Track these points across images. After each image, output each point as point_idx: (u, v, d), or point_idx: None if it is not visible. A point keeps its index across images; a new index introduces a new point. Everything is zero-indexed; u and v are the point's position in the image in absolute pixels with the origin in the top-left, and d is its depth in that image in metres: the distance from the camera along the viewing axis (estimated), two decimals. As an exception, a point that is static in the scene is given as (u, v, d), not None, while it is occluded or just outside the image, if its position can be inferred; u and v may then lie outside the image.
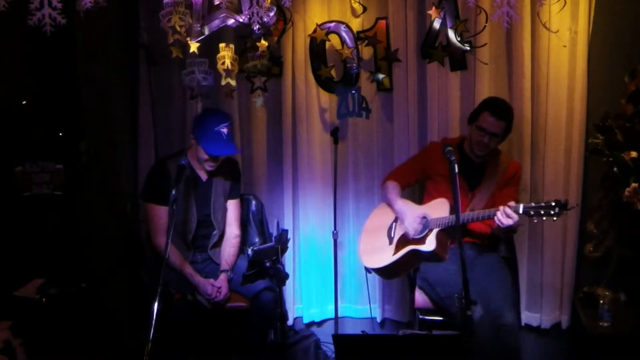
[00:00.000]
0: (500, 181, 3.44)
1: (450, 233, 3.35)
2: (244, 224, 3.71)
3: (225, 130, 3.37)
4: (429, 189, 3.56)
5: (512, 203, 3.10)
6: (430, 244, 3.30)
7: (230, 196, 3.60)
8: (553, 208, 3.01)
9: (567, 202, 3.03)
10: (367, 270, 3.57)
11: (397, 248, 3.43)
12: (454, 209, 3.29)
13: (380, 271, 3.52)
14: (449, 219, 3.29)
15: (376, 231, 3.59)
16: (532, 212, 3.06)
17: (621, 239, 3.52)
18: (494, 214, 3.13)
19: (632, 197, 3.26)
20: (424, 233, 3.35)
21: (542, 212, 3.03)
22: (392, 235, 3.50)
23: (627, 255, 3.52)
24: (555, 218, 3.04)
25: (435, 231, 3.32)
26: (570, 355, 3.82)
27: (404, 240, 3.42)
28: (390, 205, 3.56)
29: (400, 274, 3.61)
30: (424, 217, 3.39)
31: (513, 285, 3.40)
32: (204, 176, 3.53)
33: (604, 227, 3.57)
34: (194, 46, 2.99)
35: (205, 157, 3.38)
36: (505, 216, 3.08)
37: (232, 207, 3.61)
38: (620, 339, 3.31)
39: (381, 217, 3.61)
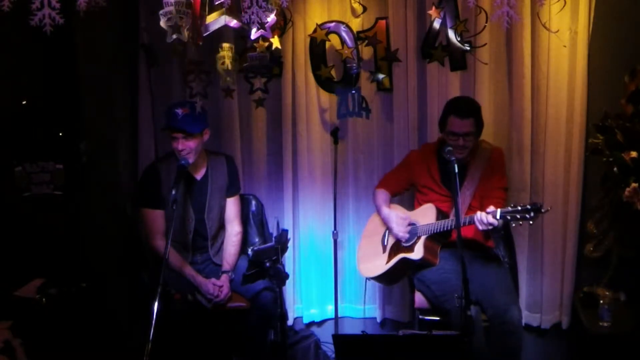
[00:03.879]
0: (484, 173, 3.40)
1: (437, 239, 3.34)
2: (244, 224, 3.70)
3: (179, 111, 3.32)
4: (419, 199, 3.54)
5: (490, 208, 3.06)
6: (418, 252, 3.31)
7: (229, 193, 3.58)
8: (528, 212, 2.98)
9: (541, 205, 3.01)
10: (367, 278, 3.59)
11: (390, 256, 3.44)
12: (440, 213, 3.33)
13: (377, 279, 3.54)
14: (435, 225, 3.30)
15: (372, 238, 3.60)
16: (508, 217, 3.02)
17: (621, 239, 3.52)
18: (473, 221, 3.11)
19: (632, 197, 3.26)
20: (413, 240, 3.36)
21: (519, 217, 3.00)
22: (385, 243, 3.51)
23: (627, 255, 3.52)
24: (531, 222, 3.01)
25: (422, 239, 3.33)
26: (570, 355, 3.82)
27: (396, 248, 3.43)
28: (377, 211, 3.58)
29: (397, 280, 3.62)
30: (413, 224, 3.40)
31: (512, 283, 3.40)
32: (198, 175, 3.50)
33: (604, 227, 3.57)
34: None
35: (177, 147, 3.35)
36: (482, 224, 3.06)
37: (231, 204, 3.59)
38: (620, 339, 3.32)
39: (377, 223, 3.62)
